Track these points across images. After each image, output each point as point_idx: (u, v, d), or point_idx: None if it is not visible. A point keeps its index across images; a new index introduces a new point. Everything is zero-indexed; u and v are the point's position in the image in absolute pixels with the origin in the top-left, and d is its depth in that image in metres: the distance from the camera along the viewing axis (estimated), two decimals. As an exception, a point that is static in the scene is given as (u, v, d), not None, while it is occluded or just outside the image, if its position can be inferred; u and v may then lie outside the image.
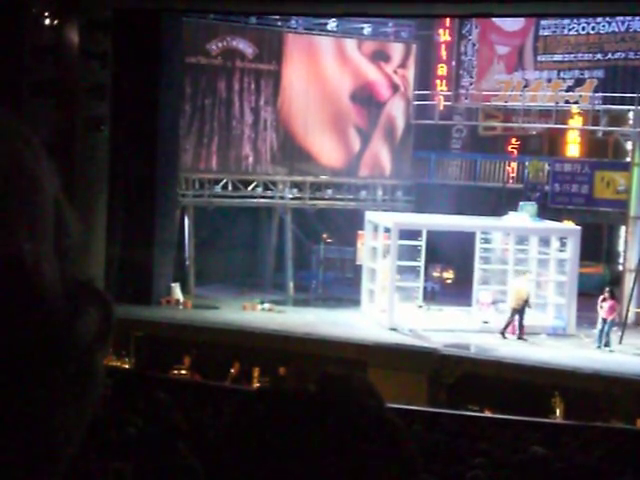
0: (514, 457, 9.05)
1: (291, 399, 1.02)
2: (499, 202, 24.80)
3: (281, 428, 0.99)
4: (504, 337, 19.57)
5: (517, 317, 19.71)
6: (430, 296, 22.31)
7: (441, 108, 27.73)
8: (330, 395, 1.01)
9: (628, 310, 20.90)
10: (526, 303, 19.59)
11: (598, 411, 15.85)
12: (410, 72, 27.12)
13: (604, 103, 25.00)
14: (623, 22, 25.13)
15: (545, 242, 21.54)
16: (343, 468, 0.97)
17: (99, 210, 20.21)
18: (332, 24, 26.00)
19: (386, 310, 20.48)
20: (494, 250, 21.83)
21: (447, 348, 18.27)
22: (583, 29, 25.99)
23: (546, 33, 26.86)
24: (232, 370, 18.36)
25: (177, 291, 22.40)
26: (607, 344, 19.00)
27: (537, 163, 25.91)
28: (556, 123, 25.98)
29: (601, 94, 25.25)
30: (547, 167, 25.58)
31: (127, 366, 18.31)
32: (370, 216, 22.55)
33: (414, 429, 10.22)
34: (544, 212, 23.16)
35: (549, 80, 26.77)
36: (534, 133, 27.56)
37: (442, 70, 28.39)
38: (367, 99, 26.50)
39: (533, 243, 21.59)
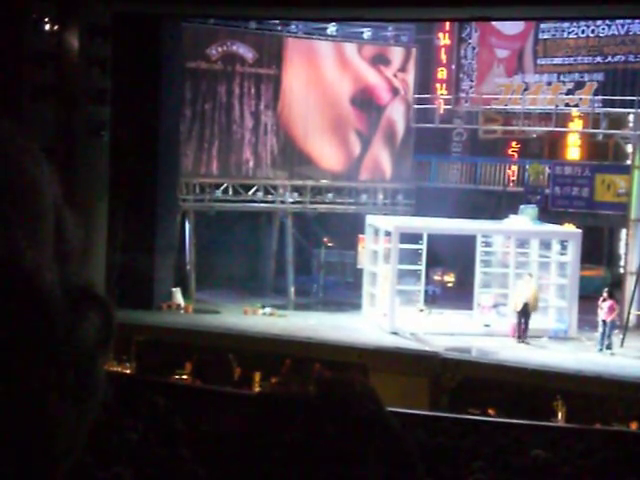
0: (516, 461, 9.05)
1: (292, 403, 1.02)
2: (500, 205, 24.81)
3: (282, 433, 0.99)
4: (525, 342, 19.57)
5: (522, 319, 19.74)
6: (431, 300, 22.29)
7: (441, 112, 27.75)
8: (331, 399, 1.01)
9: (629, 313, 20.89)
10: (528, 306, 19.58)
11: (600, 414, 15.84)
12: (410, 76, 27.13)
13: (604, 106, 25.00)
14: (623, 25, 25.14)
15: (546, 245, 21.54)
16: (344, 473, 0.97)
17: (100, 215, 20.21)
18: (332, 28, 26.02)
19: (387, 314, 20.47)
20: (495, 253, 21.83)
21: (448, 352, 18.26)
22: (583, 32, 26.01)
23: (546, 36, 26.88)
24: (234, 375, 18.36)
25: (178, 296, 22.40)
26: (609, 347, 19.00)
27: (537, 166, 25.92)
28: (556, 126, 25.99)
29: (601, 97, 25.26)
30: (547, 170, 25.59)
31: (128, 371, 18.30)
32: (371, 220, 22.56)
33: (415, 433, 10.21)
34: (545, 215, 23.16)
35: (549, 83, 26.78)
36: (534, 136, 27.56)
37: (442, 74, 28.42)
38: (367, 103, 26.51)
39: (534, 246, 21.59)
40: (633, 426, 15.46)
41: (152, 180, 21.83)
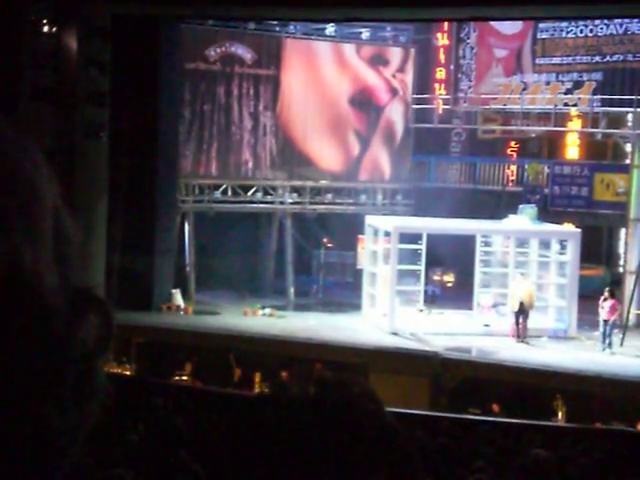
0: (516, 460, 9.04)
1: (291, 404, 1.02)
2: (499, 205, 24.81)
3: (282, 434, 0.99)
4: (525, 342, 19.61)
5: (520, 319, 19.77)
6: (431, 300, 22.30)
7: (440, 112, 27.74)
8: (330, 400, 1.02)
9: (629, 312, 20.90)
10: (523, 305, 19.60)
11: (600, 413, 15.84)
12: (409, 76, 27.14)
13: (603, 105, 24.99)
14: (621, 24, 25.14)
15: (545, 245, 21.55)
16: (343, 473, 0.97)
17: (99, 217, 20.21)
18: (330, 29, 26.03)
19: (387, 314, 20.47)
20: (494, 253, 21.84)
21: (448, 352, 18.26)
22: (581, 32, 26.01)
23: (544, 36, 26.87)
24: (234, 376, 18.36)
25: (178, 297, 22.40)
26: (609, 346, 19.01)
27: (536, 166, 25.92)
28: (555, 126, 25.98)
29: (600, 96, 25.25)
30: (547, 170, 25.58)
31: (128, 372, 18.29)
32: (370, 220, 22.56)
33: (415, 433, 10.21)
34: (544, 215, 23.16)
35: (548, 83, 26.78)
36: (533, 136, 27.56)
37: (441, 74, 28.42)
38: (366, 103, 26.52)
39: (533, 246, 21.60)
40: (634, 425, 15.46)
41: (151, 181, 21.83)
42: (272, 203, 25.19)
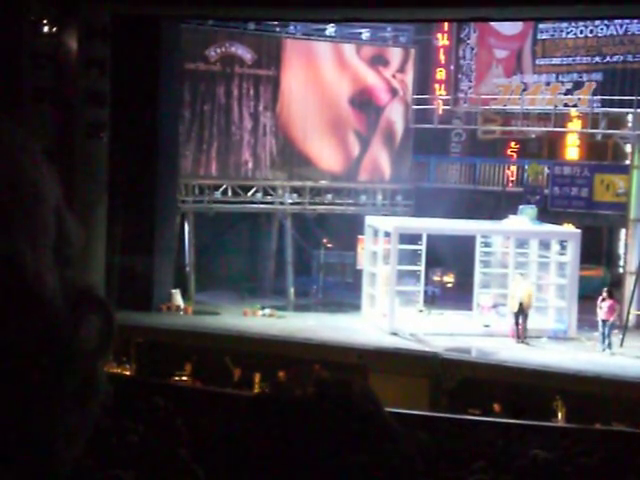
0: (516, 461, 9.04)
1: (290, 405, 1.02)
2: (499, 206, 24.81)
3: (281, 434, 0.99)
4: (525, 342, 19.63)
5: (519, 320, 19.78)
6: (431, 300, 22.30)
7: (440, 112, 27.74)
8: (329, 401, 1.02)
9: (629, 313, 20.89)
10: (522, 306, 19.60)
11: (600, 414, 15.84)
12: (409, 76, 27.14)
13: (603, 106, 24.98)
14: (621, 25, 25.13)
15: (545, 245, 21.55)
16: (343, 474, 0.97)
17: (99, 217, 20.21)
18: (330, 29, 26.03)
19: (387, 314, 20.47)
20: (494, 254, 21.84)
21: (448, 352, 18.26)
22: (581, 32, 26.00)
23: (544, 36, 26.87)
24: (234, 376, 18.35)
25: (177, 297, 22.39)
26: (609, 346, 19.01)
27: (536, 166, 25.92)
28: (555, 126, 25.98)
29: (600, 97, 25.25)
30: (547, 170, 25.58)
31: (128, 373, 18.29)
32: (370, 220, 22.56)
33: (415, 434, 10.21)
34: (544, 215, 23.15)
35: (548, 83, 26.77)
36: (533, 136, 27.55)
37: (441, 74, 28.41)
38: (366, 104, 26.51)
39: (533, 246, 21.60)
40: (634, 426, 15.45)
41: (151, 181, 21.83)
42: (272, 203, 25.19)
